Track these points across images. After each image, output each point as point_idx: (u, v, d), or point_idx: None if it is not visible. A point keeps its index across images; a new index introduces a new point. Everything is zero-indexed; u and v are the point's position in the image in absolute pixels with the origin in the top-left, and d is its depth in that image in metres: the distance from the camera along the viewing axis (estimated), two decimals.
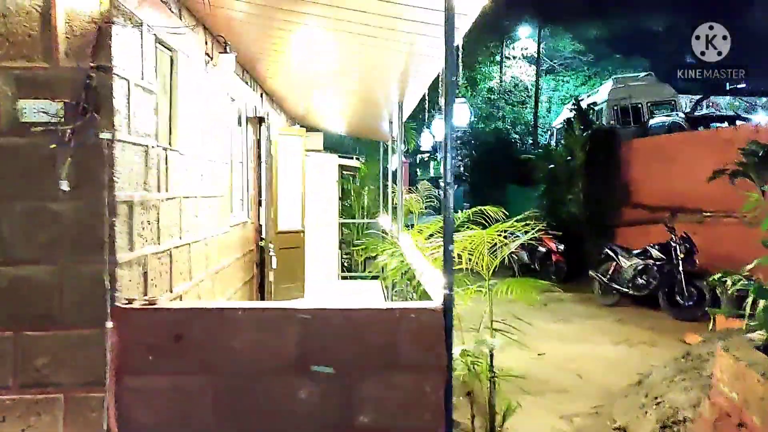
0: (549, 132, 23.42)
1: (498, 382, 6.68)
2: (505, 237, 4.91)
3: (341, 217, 13.42)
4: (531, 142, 21.85)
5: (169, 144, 3.95)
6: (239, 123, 6.44)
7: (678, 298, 9.59)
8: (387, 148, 13.27)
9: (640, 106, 17.72)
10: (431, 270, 4.77)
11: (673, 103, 17.36)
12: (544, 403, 5.98)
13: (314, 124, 11.72)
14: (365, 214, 12.28)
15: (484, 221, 6.04)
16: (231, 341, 2.97)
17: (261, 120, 6.89)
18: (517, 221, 5.06)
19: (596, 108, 17.30)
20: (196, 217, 4.53)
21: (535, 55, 24.26)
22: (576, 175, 14.26)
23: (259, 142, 6.91)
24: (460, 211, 6.89)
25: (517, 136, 22.20)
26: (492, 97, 23.91)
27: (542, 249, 13.78)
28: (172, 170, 3.92)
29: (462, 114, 6.56)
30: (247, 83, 6.69)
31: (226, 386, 2.97)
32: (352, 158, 12.96)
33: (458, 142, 26.16)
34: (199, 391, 2.96)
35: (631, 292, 10.36)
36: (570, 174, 14.50)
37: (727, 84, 16.20)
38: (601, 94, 18.66)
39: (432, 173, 42.22)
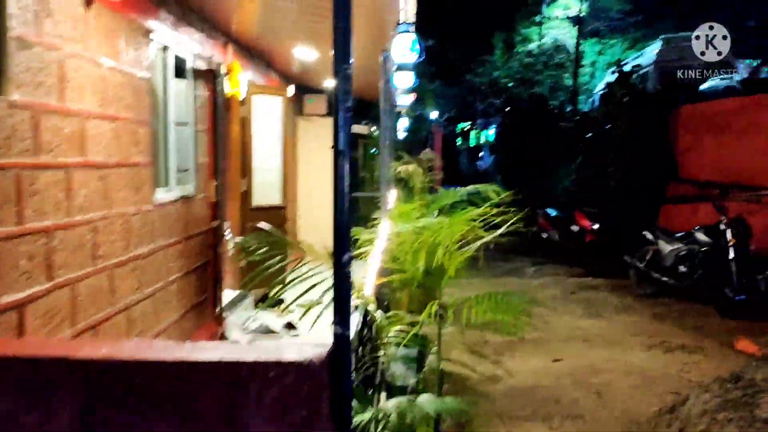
0: (591, 99, 21.68)
1: (494, 399, 5.46)
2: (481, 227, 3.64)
3: (352, 190, 12.20)
4: (570, 109, 20.16)
5: None
6: (181, 75, 5.25)
7: (727, 291, 8.12)
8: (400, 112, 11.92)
9: (691, 69, 15.92)
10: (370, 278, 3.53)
11: (729, 66, 15.49)
12: None
13: (315, 84, 10.46)
14: (379, 187, 11.01)
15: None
16: None
17: (214, 74, 5.67)
18: (491, 206, 3.78)
19: (641, 71, 15.54)
20: (63, 193, 3.36)
21: (578, 15, 22.41)
22: (616, 145, 12.74)
23: (214, 100, 5.71)
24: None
25: (556, 103, 20.52)
26: (530, 60, 22.16)
27: (575, 227, 12.34)
28: None
29: (404, 49, 5.10)
30: (197, 28, 5.48)
31: None
32: (365, 124, 11.67)
33: (491, 108, 24.57)
34: None
35: (671, 281, 8.92)
36: (609, 144, 12.98)
37: None
38: (647, 55, 16.89)
39: (473, 143, 40.59)
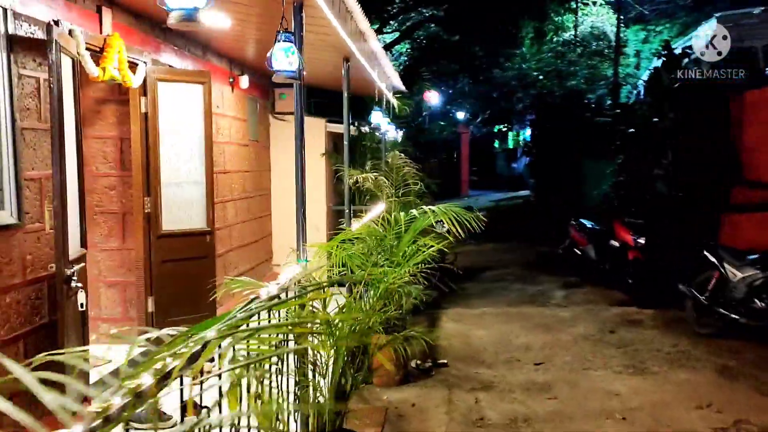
0: (636, 91, 19.38)
1: None
2: None
3: (337, 203, 10.27)
4: (610, 103, 17.86)
5: None
6: None
7: None
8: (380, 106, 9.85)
9: (754, 50, 13.60)
10: None
11: None
12: None
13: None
14: (367, 197, 9.06)
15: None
16: None
17: (49, 45, 3.78)
18: None
19: (694, 54, 13.23)
20: None
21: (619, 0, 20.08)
22: (665, 141, 10.52)
23: (57, 85, 3.82)
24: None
25: (593, 97, 18.23)
26: (564, 50, 19.85)
27: (615, 243, 10.12)
28: None
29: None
30: None
31: None
32: (351, 123, 9.71)
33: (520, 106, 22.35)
34: None
35: (743, 319, 6.72)
36: (657, 140, 10.77)
37: None
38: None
39: (511, 145, 38.22)
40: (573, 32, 20.47)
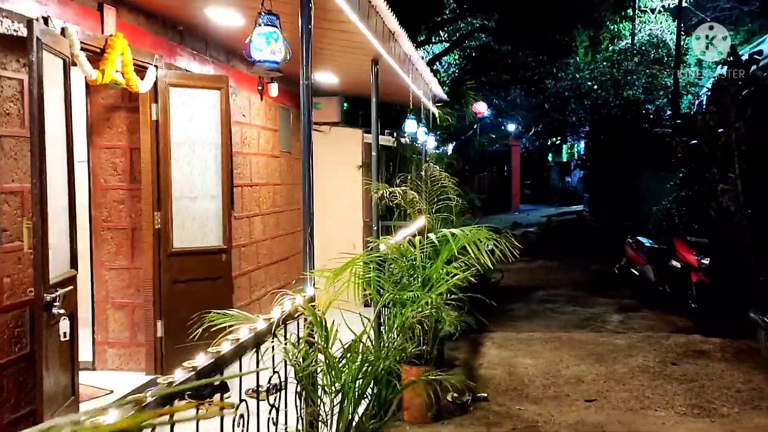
0: (699, 101, 18.35)
1: None
2: None
3: (382, 218, 9.74)
4: (670, 113, 16.91)
5: None
6: None
7: None
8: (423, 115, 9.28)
9: None
10: None
11: None
12: None
13: (324, 84, 8.14)
14: (407, 213, 8.52)
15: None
16: None
17: (29, 43, 3.39)
18: None
19: (763, 60, 12.30)
20: None
21: (679, 5, 19.08)
22: (732, 153, 9.68)
23: (38, 87, 3.44)
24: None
25: (652, 107, 17.30)
26: (620, 59, 18.95)
27: (676, 263, 9.31)
28: None
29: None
30: None
31: None
32: (391, 134, 9.25)
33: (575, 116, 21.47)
34: None
35: None
36: (722, 153, 9.93)
37: None
38: None
39: (565, 158, 37.06)
40: (630, 40, 19.55)
